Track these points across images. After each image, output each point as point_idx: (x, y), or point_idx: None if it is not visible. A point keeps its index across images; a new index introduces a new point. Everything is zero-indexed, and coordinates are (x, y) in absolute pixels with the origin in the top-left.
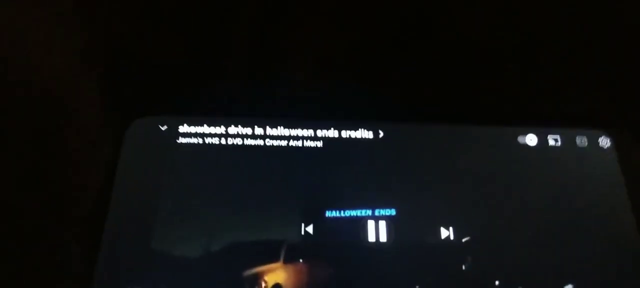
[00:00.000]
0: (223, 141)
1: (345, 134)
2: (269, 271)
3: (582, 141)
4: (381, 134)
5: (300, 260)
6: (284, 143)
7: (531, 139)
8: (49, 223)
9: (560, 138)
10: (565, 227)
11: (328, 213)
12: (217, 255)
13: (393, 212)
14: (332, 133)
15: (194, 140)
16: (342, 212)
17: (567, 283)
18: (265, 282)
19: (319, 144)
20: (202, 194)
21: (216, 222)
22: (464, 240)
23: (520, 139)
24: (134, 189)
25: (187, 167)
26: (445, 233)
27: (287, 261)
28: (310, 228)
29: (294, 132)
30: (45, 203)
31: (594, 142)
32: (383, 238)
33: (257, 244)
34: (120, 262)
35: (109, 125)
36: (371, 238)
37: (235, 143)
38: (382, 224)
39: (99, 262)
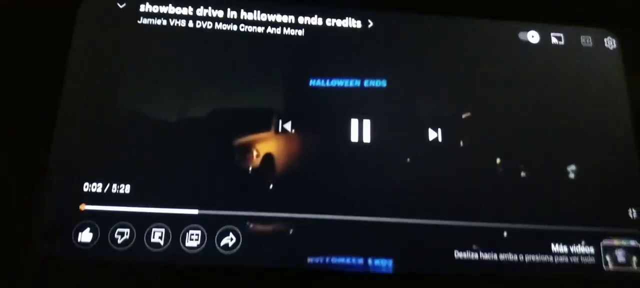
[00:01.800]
0: (190, 24)
1: (330, 22)
2: (260, 140)
3: (586, 41)
4: (371, 24)
5: (292, 131)
6: (260, 29)
7: (533, 36)
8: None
9: (564, 36)
10: (563, 125)
11: (312, 83)
12: (200, 122)
13: (384, 83)
14: (316, 21)
15: (157, 21)
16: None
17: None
18: (257, 151)
19: (300, 32)
20: (169, 75)
21: (191, 94)
22: (464, 116)
23: (521, 36)
24: (90, 73)
25: (150, 51)
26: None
27: (279, 131)
28: (300, 100)
29: (272, 17)
30: None
31: (599, 42)
32: (373, 111)
33: (245, 112)
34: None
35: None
36: (361, 109)
37: (204, 26)
38: (372, 97)
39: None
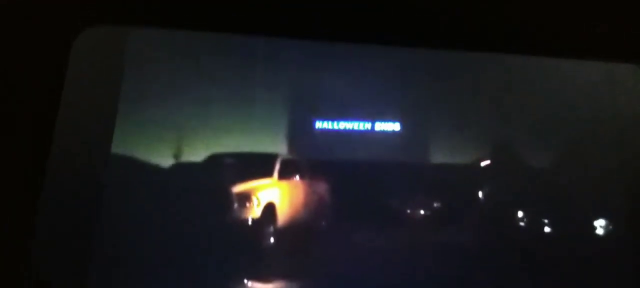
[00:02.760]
0: (190, 60)
1: (338, 58)
2: (262, 188)
3: (621, 78)
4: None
5: (297, 177)
6: (263, 65)
7: (561, 72)
8: None
9: (595, 72)
10: (595, 174)
11: (318, 126)
12: (199, 168)
13: (397, 126)
14: (323, 56)
15: (154, 57)
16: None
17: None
18: (258, 200)
19: (307, 68)
20: (165, 116)
21: (191, 135)
22: (482, 164)
23: (546, 72)
24: (82, 117)
25: (149, 84)
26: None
27: (281, 177)
28: (305, 143)
29: (277, 52)
30: None
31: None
32: (386, 157)
33: (246, 157)
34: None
35: (54, 35)
36: (373, 155)
37: (203, 62)
38: (384, 142)
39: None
